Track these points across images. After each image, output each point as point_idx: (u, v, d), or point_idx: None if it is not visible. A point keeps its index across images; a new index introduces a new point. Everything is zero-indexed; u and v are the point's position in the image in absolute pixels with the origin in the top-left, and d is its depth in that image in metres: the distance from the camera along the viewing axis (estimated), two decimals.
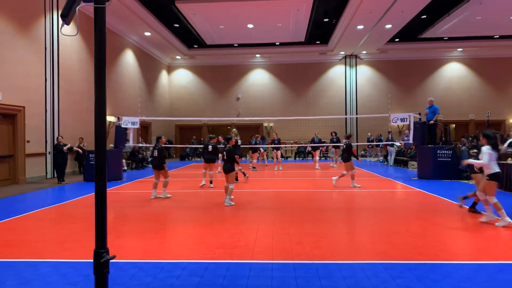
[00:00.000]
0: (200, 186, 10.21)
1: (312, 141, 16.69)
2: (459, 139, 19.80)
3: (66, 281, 3.56)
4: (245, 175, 11.20)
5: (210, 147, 10.31)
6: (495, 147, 5.57)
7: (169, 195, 8.51)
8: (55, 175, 12.23)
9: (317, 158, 16.40)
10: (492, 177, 5.56)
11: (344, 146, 9.96)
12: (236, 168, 11.47)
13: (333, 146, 16.54)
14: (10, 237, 5.17)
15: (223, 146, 10.94)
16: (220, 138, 12.48)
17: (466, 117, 23.94)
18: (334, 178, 10.02)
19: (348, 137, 10.08)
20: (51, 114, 12.83)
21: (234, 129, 11.76)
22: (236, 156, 7.54)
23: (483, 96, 23.81)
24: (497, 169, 5.54)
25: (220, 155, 11.30)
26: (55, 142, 12.08)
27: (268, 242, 4.78)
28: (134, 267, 3.91)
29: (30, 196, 8.93)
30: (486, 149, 5.56)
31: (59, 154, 11.50)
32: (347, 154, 9.76)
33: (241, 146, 19.48)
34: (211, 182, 10.32)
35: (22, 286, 3.47)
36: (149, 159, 16.84)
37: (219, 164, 12.91)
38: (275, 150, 16.05)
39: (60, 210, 7.20)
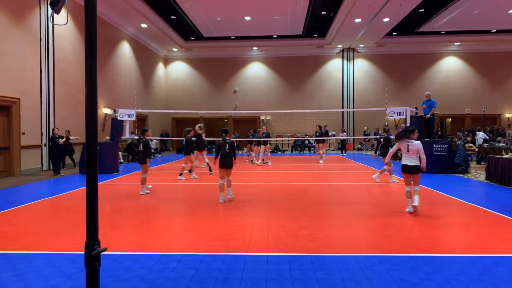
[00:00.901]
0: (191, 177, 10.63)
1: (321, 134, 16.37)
2: (454, 133, 19.94)
3: (61, 273, 3.56)
4: (210, 170, 11.61)
5: (184, 140, 10.63)
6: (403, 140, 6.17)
7: (149, 187, 8.54)
8: (51, 167, 12.18)
9: (321, 151, 16.29)
10: (401, 168, 6.18)
11: (382, 139, 9.67)
12: (205, 160, 11.71)
13: (317, 141, 15.84)
14: (5, 229, 5.15)
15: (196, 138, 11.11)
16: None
17: (462, 111, 24.02)
18: (375, 176, 9.69)
19: (387, 130, 9.86)
20: (47, 106, 12.73)
21: (201, 124, 12.03)
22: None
23: (480, 90, 23.87)
24: (404, 162, 6.14)
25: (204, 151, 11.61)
26: (51, 134, 12.01)
27: (263, 234, 4.80)
28: (129, 259, 3.91)
29: (25, 188, 8.90)
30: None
31: (55, 147, 11.44)
32: (386, 148, 9.46)
33: (238, 139, 19.76)
34: (179, 171, 10.57)
35: (17, 278, 3.46)
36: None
37: (200, 158, 12.59)
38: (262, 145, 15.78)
39: (56, 202, 7.18)
